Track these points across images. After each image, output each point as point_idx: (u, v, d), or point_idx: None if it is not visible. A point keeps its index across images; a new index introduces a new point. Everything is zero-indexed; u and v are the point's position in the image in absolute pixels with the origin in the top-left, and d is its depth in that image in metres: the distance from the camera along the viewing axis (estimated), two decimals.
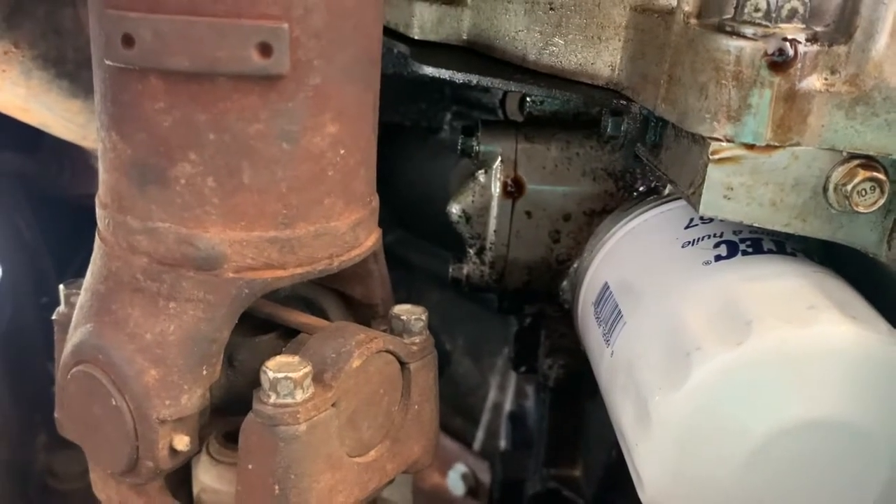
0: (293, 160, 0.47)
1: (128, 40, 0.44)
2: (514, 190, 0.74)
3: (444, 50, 0.73)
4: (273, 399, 0.48)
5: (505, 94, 0.87)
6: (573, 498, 0.89)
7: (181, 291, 0.48)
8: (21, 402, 1.04)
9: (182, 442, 0.50)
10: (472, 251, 0.79)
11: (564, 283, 0.76)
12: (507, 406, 1.18)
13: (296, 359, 0.49)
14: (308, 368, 0.48)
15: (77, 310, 0.53)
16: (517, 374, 1.18)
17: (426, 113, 1.16)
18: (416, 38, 0.74)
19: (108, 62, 0.45)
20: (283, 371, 0.48)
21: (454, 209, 0.77)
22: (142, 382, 0.48)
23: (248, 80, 0.44)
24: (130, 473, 0.52)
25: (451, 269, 0.80)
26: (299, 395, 0.48)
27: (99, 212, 0.52)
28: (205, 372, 0.49)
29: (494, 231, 0.75)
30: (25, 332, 1.06)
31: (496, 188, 0.74)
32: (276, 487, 0.48)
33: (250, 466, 0.50)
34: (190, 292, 0.48)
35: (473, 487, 1.20)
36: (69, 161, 1.03)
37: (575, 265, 0.74)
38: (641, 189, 0.72)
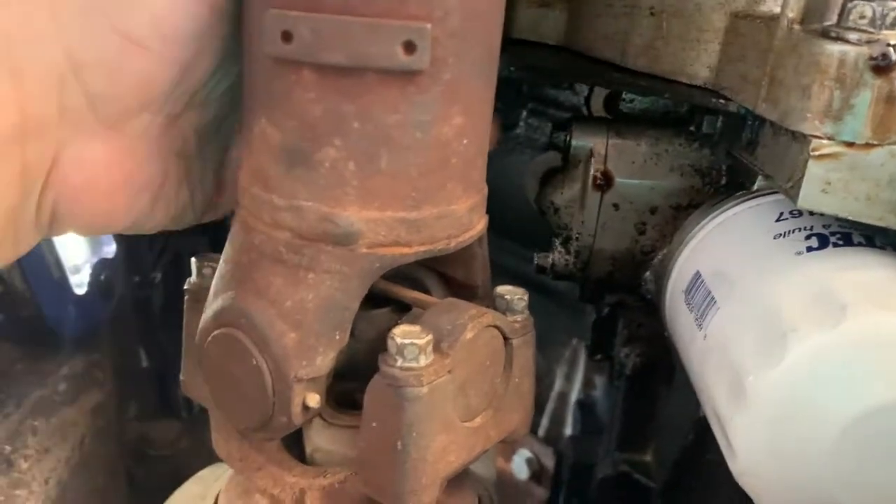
0: (424, 148, 0.52)
1: (287, 36, 0.49)
2: (602, 183, 0.78)
3: (541, 48, 0.77)
4: (400, 363, 0.52)
5: (591, 90, 0.91)
6: (644, 481, 0.93)
7: (319, 263, 0.53)
8: (117, 375, 1.11)
9: (314, 399, 0.55)
10: (557, 241, 0.83)
11: (647, 273, 0.79)
12: (574, 395, 1.22)
13: (418, 328, 0.54)
14: (430, 336, 0.53)
15: (217, 279, 0.59)
16: (584, 365, 1.22)
17: (502, 110, 1.20)
18: (513, 36, 0.78)
19: (265, 55, 0.51)
20: (409, 338, 0.53)
21: (543, 199, 0.81)
22: (282, 344, 0.54)
23: (391, 75, 0.49)
24: (263, 429, 0.57)
25: (536, 258, 0.84)
26: (423, 361, 0.53)
27: (241, 191, 0.57)
28: (337, 337, 0.54)
29: (582, 222, 0.79)
30: (123, 308, 1.13)
31: (586, 181, 0.78)
32: (399, 444, 0.53)
33: (374, 424, 0.54)
34: (328, 264, 0.53)
35: (537, 472, 1.25)
36: None
37: (659, 256, 0.78)
38: (726, 184, 0.75)
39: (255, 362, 0.55)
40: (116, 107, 0.53)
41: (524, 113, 1.23)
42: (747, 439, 0.53)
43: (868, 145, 0.51)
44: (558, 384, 1.26)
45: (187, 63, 0.53)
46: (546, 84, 1.11)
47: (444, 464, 0.56)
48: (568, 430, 1.22)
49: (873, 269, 0.54)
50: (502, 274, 1.36)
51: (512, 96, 1.23)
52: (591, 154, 0.77)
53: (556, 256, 0.83)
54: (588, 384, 1.20)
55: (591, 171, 0.77)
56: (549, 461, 1.23)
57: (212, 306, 0.58)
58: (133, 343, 1.24)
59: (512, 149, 1.24)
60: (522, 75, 0.91)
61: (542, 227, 0.85)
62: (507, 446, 1.27)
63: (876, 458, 0.51)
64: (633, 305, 0.88)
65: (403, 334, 0.53)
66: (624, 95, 0.77)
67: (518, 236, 1.26)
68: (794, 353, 0.50)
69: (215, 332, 0.57)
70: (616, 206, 0.78)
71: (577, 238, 0.80)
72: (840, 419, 0.51)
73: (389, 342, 0.53)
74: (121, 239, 1.13)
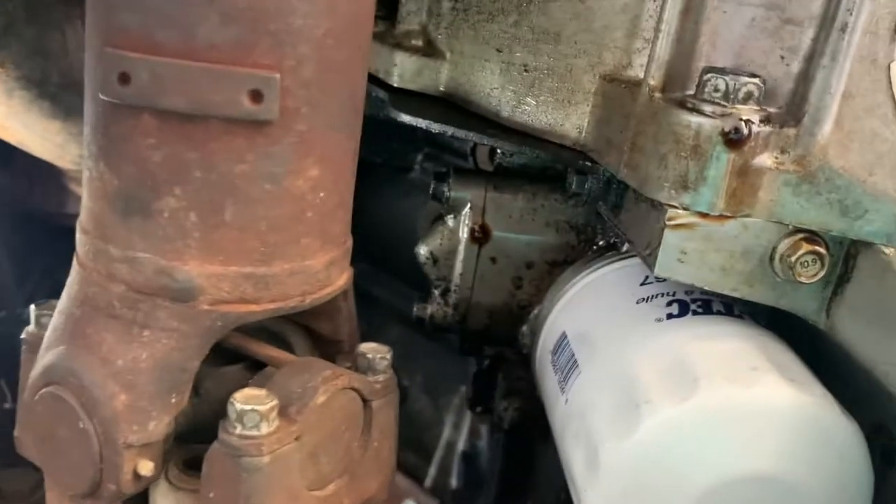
0: (274, 201, 0.49)
1: (124, 78, 0.46)
2: (480, 236, 0.76)
3: (421, 99, 0.76)
4: (239, 430, 0.49)
5: (476, 143, 0.90)
6: None
7: (156, 320, 0.50)
8: None
9: (146, 467, 0.51)
10: (436, 292, 0.81)
11: (524, 328, 0.78)
12: (461, 445, 1.20)
13: (263, 392, 0.51)
14: (274, 402, 0.50)
15: (50, 331, 0.54)
16: (472, 414, 1.20)
17: (398, 152, 1.19)
18: (395, 85, 0.76)
19: (102, 97, 0.47)
20: (251, 403, 0.49)
21: (422, 251, 0.79)
22: (111, 407, 0.50)
23: (237, 124, 0.46)
24: (92, 496, 0.52)
25: (415, 309, 0.82)
26: (264, 428, 0.49)
27: (79, 237, 0.53)
28: (173, 400, 0.51)
29: (460, 274, 0.78)
30: None
31: (464, 233, 0.76)
32: None
33: (212, 495, 0.51)
34: (164, 322, 0.49)
35: None
36: (40, 178, 1.03)
37: (535, 312, 0.77)
38: (601, 243, 0.75)
39: (82, 425, 0.50)
40: None
41: (420, 157, 1.22)
42: None
43: (722, 217, 0.51)
44: (447, 433, 1.24)
45: None
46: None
47: None
48: (454, 481, 1.20)
49: (729, 340, 0.54)
50: (394, 318, 1.33)
51: (408, 140, 1.22)
52: (469, 206, 0.76)
53: (435, 308, 0.81)
54: (474, 434, 1.18)
55: (470, 224, 0.76)
56: None
57: (42, 361, 0.54)
58: None
59: (407, 192, 1.23)
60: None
61: None
62: (392, 496, 1.23)
63: None
64: (513, 359, 0.87)
65: (245, 399, 0.50)
66: (502, 149, 0.77)
67: (411, 280, 1.23)
68: (647, 425, 0.49)
69: (43, 391, 0.53)
70: (493, 259, 0.77)
71: (455, 290, 0.79)
72: (691, 492, 0.50)
73: (229, 408, 0.50)
74: None
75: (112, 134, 0.48)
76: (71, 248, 0.56)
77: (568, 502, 0.84)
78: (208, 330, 0.50)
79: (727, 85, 0.49)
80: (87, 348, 0.51)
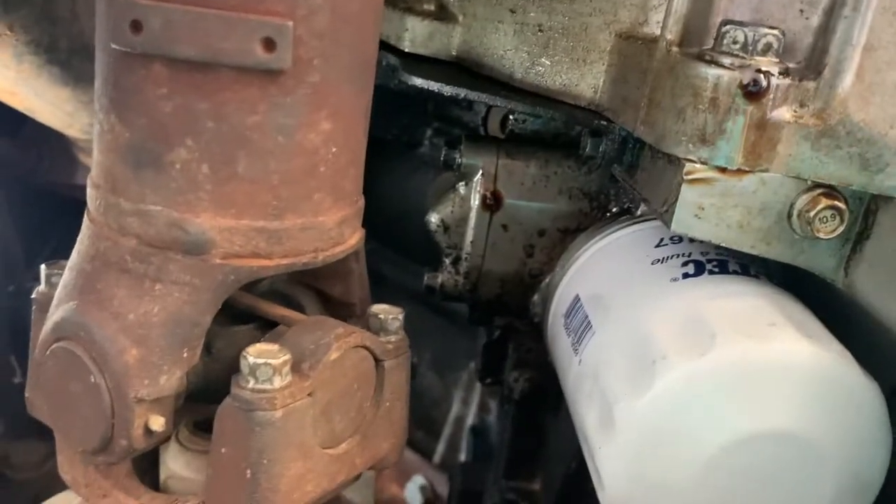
0: (287, 153, 0.49)
1: (136, 26, 0.45)
2: (492, 203, 0.76)
3: (433, 63, 0.75)
4: (251, 384, 0.49)
5: (488, 111, 0.89)
6: None
7: (168, 274, 0.49)
8: None
9: (157, 422, 0.51)
10: (447, 260, 0.80)
11: (535, 297, 0.78)
12: (470, 420, 1.20)
13: (276, 346, 0.50)
14: (287, 356, 0.50)
15: (60, 287, 0.54)
16: (481, 389, 1.19)
17: (407, 128, 1.18)
18: (406, 50, 0.76)
19: (114, 46, 0.47)
20: (263, 357, 0.49)
21: (433, 218, 0.79)
22: (122, 361, 0.49)
23: (249, 73, 0.46)
24: (103, 452, 0.52)
25: (426, 278, 0.82)
26: (277, 382, 0.49)
27: (90, 192, 0.53)
28: (185, 355, 0.50)
29: (471, 242, 0.77)
30: None
31: (475, 200, 0.76)
32: (248, 472, 0.49)
33: (224, 450, 0.50)
34: (176, 275, 0.49)
35: (431, 500, 1.21)
36: (49, 149, 1.03)
37: (546, 280, 0.76)
38: (614, 210, 0.75)
39: (93, 380, 0.50)
40: None
41: (429, 132, 1.21)
42: (615, 469, 0.51)
43: (740, 171, 0.50)
44: (455, 408, 1.24)
45: None
46: (451, 103, 1.10)
47: (301, 493, 0.52)
48: (463, 456, 1.20)
49: (745, 297, 0.53)
50: (403, 295, 1.33)
51: (417, 115, 1.21)
52: (480, 173, 0.75)
53: (446, 276, 0.81)
54: (483, 408, 1.18)
55: (481, 191, 0.75)
56: (443, 488, 1.20)
57: (52, 317, 0.54)
58: (6, 356, 1.15)
59: (416, 168, 1.22)
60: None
61: None
62: (401, 472, 1.23)
63: (741, 489, 0.50)
64: (523, 329, 0.86)
65: (257, 353, 0.49)
66: (515, 115, 0.76)
67: (421, 256, 1.23)
68: (662, 381, 0.49)
69: (54, 346, 0.52)
70: (505, 227, 0.76)
71: (466, 258, 0.78)
72: (707, 448, 0.49)
73: (242, 362, 0.49)
74: None
75: (123, 84, 0.48)
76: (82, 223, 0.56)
77: (578, 473, 0.84)
78: (220, 284, 0.50)
79: (746, 36, 0.48)
80: (98, 303, 0.50)
